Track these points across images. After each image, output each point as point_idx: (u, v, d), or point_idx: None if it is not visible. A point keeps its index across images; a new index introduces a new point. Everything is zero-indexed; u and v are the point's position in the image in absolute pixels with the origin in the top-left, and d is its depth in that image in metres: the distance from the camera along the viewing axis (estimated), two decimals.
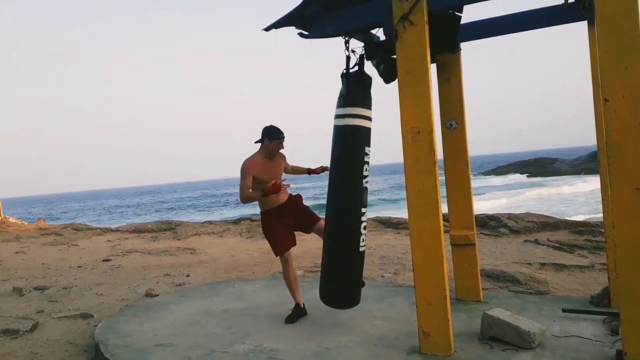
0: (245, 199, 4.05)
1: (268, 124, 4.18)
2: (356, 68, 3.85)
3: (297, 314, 4.19)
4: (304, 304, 4.28)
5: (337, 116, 3.78)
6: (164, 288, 6.05)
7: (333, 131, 3.83)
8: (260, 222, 4.37)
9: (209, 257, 8.44)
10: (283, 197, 4.28)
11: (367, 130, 3.77)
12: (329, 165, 3.98)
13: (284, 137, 4.13)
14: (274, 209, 4.27)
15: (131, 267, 7.73)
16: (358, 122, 3.71)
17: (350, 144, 3.73)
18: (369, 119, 3.78)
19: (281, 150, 4.24)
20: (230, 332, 3.91)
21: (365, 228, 3.84)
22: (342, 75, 3.82)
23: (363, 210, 3.78)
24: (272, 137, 4.09)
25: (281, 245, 4.21)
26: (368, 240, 8.72)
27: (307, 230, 4.39)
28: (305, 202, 4.51)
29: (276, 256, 4.27)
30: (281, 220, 4.25)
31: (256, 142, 4.19)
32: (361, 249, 3.81)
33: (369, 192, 3.88)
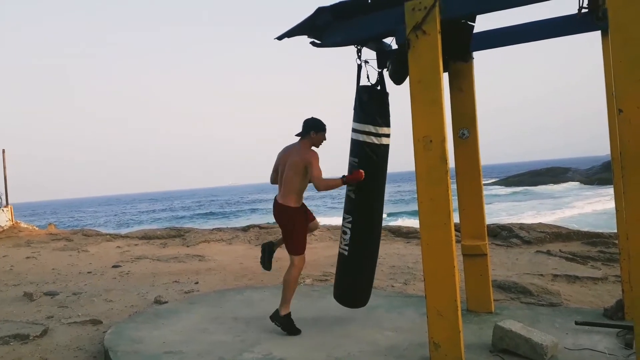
0: (327, 187, 3.96)
1: (309, 117, 4.15)
2: (377, 85, 3.96)
3: (292, 321, 4.10)
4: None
5: (375, 135, 3.88)
6: (173, 295, 6.06)
7: (363, 147, 3.89)
8: (289, 216, 4.16)
9: (218, 264, 8.45)
10: None
11: (388, 148, 4.01)
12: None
13: (326, 129, 4.17)
14: (302, 207, 4.23)
15: (140, 274, 7.75)
16: (388, 140, 3.95)
17: (384, 164, 3.98)
18: (389, 136, 3.99)
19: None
20: (239, 340, 3.90)
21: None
22: (364, 90, 3.90)
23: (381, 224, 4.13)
24: (318, 129, 4.10)
25: (304, 245, 4.17)
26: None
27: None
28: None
29: (297, 255, 4.11)
30: (304, 220, 4.24)
31: (297, 135, 4.15)
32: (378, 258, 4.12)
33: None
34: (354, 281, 4.10)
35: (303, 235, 4.20)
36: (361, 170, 3.87)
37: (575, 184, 46.91)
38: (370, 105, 3.86)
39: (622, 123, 2.64)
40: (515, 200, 39.60)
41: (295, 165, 4.02)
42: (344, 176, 3.92)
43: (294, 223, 4.17)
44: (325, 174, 3.96)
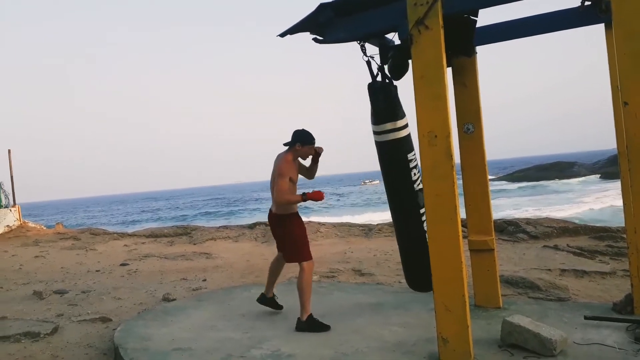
0: (286, 201, 4.00)
1: (300, 128, 4.15)
2: (379, 78, 3.91)
3: (315, 320, 4.04)
4: None
5: (375, 133, 3.90)
6: (181, 292, 6.09)
7: (375, 147, 3.97)
8: (290, 224, 4.17)
9: (225, 261, 8.48)
10: None
11: (407, 138, 3.91)
12: (321, 146, 4.18)
13: (315, 142, 4.14)
14: (297, 213, 4.28)
15: (148, 272, 7.80)
16: (395, 135, 3.85)
17: (393, 157, 3.92)
18: (405, 126, 3.89)
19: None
20: (247, 337, 3.92)
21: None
22: (369, 88, 3.87)
23: (422, 210, 3.86)
24: (305, 142, 4.09)
25: (308, 248, 4.18)
26: (385, 245, 8.71)
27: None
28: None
29: (304, 260, 4.09)
30: (302, 224, 4.29)
31: (285, 144, 4.16)
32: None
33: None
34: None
35: (305, 239, 4.21)
36: (321, 191, 4.01)
37: (582, 178, 46.60)
38: (374, 105, 3.87)
39: (627, 116, 2.63)
40: (522, 195, 39.44)
41: (275, 175, 4.11)
42: (304, 193, 3.97)
43: (292, 228, 4.17)
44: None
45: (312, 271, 4.16)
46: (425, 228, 3.83)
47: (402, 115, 3.87)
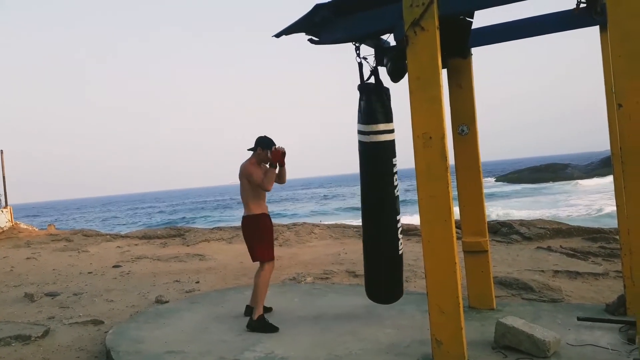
0: (267, 180, 4.21)
1: (262, 134, 4.40)
2: (372, 80, 3.88)
3: (265, 321, 4.14)
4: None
5: (361, 132, 3.86)
6: (173, 294, 6.06)
7: (358, 146, 3.93)
8: (253, 224, 4.35)
9: (218, 263, 8.45)
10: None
11: (392, 143, 3.88)
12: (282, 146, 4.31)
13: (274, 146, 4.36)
14: (266, 214, 4.42)
15: (141, 274, 7.75)
16: (382, 137, 3.81)
17: (377, 159, 3.87)
18: (392, 131, 3.88)
19: None
20: (241, 339, 3.89)
21: (401, 232, 3.99)
22: (360, 89, 3.84)
23: (397, 217, 3.92)
24: (265, 146, 4.33)
25: (272, 250, 4.37)
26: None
27: None
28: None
29: (264, 260, 4.29)
30: (271, 229, 4.45)
31: (249, 150, 4.41)
32: (400, 251, 3.97)
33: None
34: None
35: (269, 240, 4.37)
36: (277, 148, 4.26)
37: (575, 180, 46.86)
38: (363, 106, 3.85)
39: (621, 118, 2.63)
40: (515, 197, 39.59)
41: (241, 180, 4.37)
42: (270, 164, 4.28)
43: (256, 227, 4.35)
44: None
45: (271, 272, 4.34)
46: (400, 236, 3.93)
47: (391, 118, 3.88)
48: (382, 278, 4.01)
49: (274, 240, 4.45)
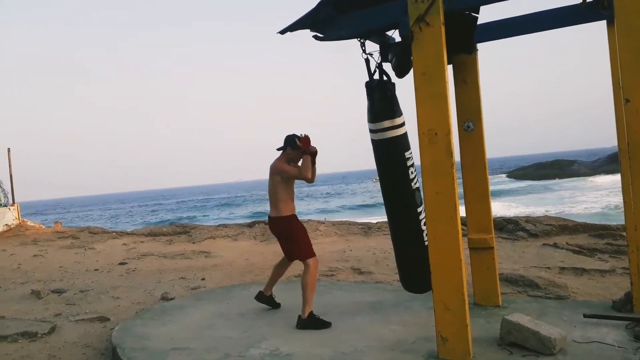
0: (306, 170, 4.18)
1: (291, 133, 4.32)
2: (376, 76, 3.86)
3: (316, 317, 4.07)
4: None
5: (372, 131, 3.86)
6: (179, 291, 6.08)
7: (372, 145, 3.93)
8: (289, 225, 4.31)
9: (224, 260, 8.46)
10: None
11: (404, 136, 3.87)
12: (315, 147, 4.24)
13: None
14: (295, 215, 4.39)
15: (147, 271, 7.78)
16: (393, 133, 3.80)
17: (390, 155, 3.86)
18: (402, 124, 3.85)
19: None
20: (246, 336, 3.90)
21: (425, 224, 3.86)
22: (367, 86, 3.82)
23: (419, 209, 3.89)
24: (295, 146, 4.26)
25: (311, 246, 4.32)
26: (384, 244, 8.69)
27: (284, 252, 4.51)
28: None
29: (308, 257, 4.21)
30: (301, 224, 4.40)
31: (278, 149, 4.34)
32: (425, 243, 3.86)
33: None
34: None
35: (306, 238, 4.34)
36: (306, 137, 4.20)
37: (582, 176, 46.60)
38: (370, 103, 3.84)
39: (629, 113, 2.61)
40: (522, 194, 39.45)
41: (272, 178, 4.27)
42: (304, 152, 4.23)
43: (291, 229, 4.31)
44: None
45: (317, 269, 4.27)
46: (423, 227, 3.85)
47: (399, 113, 3.84)
48: (415, 267, 3.98)
49: (308, 237, 4.38)
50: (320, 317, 4.06)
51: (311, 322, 4.01)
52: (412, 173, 3.86)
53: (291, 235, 4.30)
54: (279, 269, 4.64)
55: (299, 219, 4.46)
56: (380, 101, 3.79)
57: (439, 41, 3.03)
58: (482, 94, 4.23)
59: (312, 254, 4.26)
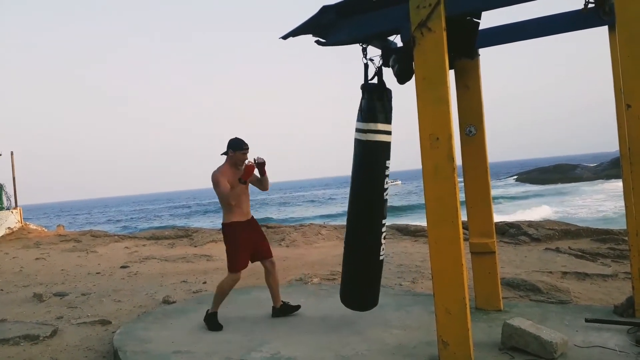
0: (226, 194, 4.19)
1: (233, 137, 4.35)
2: (375, 80, 3.87)
3: (216, 319, 4.30)
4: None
5: (358, 130, 3.84)
6: (181, 295, 6.08)
7: (354, 144, 3.90)
8: (223, 232, 4.40)
9: (225, 264, 8.45)
10: (249, 213, 4.42)
11: (388, 145, 3.86)
12: (261, 157, 4.32)
13: (247, 149, 4.32)
14: (242, 222, 4.35)
15: (149, 274, 7.79)
16: (379, 137, 3.79)
17: (371, 159, 3.83)
18: (389, 133, 3.86)
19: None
20: (247, 340, 3.90)
21: (384, 238, 3.95)
22: (363, 88, 3.83)
23: (383, 221, 3.89)
24: (235, 148, 4.29)
25: (241, 262, 4.31)
26: (385, 248, 8.69)
27: (256, 260, 4.48)
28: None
29: (230, 271, 4.30)
30: (246, 238, 4.35)
31: (222, 154, 4.37)
32: (381, 257, 3.95)
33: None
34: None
35: (235, 252, 4.31)
36: (249, 163, 4.18)
37: (585, 180, 46.52)
38: (363, 104, 3.83)
39: (630, 119, 2.61)
40: (524, 198, 39.37)
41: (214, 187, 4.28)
42: (240, 178, 4.18)
43: (225, 236, 4.39)
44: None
45: (232, 285, 4.34)
46: (383, 241, 3.90)
47: (390, 121, 3.86)
48: (359, 283, 3.99)
49: (244, 251, 4.33)
50: (218, 322, 4.26)
51: (210, 321, 4.27)
52: (386, 183, 3.85)
53: (225, 242, 4.40)
54: (269, 278, 4.55)
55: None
56: (378, 103, 3.79)
57: (440, 46, 3.04)
58: (484, 98, 4.24)
59: (234, 270, 4.28)
